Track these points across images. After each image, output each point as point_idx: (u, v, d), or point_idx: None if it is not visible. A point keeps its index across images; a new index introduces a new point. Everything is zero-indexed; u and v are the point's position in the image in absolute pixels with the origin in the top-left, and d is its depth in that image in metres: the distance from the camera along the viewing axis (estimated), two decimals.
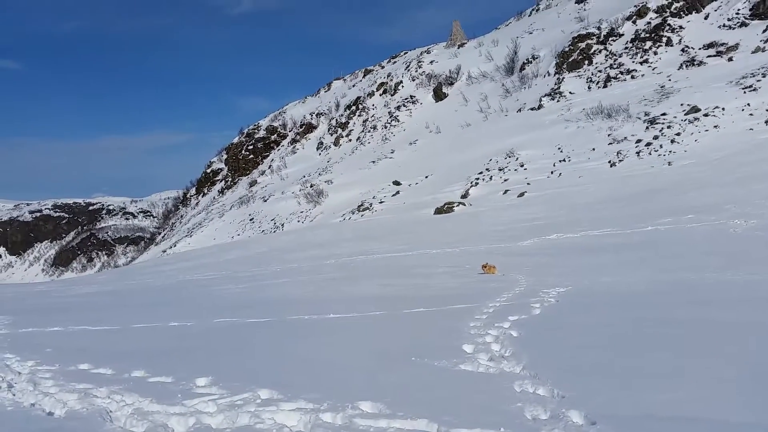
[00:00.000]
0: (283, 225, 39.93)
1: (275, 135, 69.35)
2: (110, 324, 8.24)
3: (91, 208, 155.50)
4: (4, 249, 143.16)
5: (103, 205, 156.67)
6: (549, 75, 42.21)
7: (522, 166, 28.87)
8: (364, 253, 16.15)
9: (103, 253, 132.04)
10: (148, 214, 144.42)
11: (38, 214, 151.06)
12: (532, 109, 38.86)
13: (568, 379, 3.99)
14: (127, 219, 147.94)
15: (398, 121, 52.76)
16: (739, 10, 35.84)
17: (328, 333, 6.34)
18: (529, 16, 60.80)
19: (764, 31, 33.12)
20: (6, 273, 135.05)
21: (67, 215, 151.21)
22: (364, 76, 69.38)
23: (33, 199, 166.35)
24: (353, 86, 68.25)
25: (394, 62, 67.64)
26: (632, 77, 36.41)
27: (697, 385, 3.68)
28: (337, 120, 60.95)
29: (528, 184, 25.66)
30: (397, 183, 35.56)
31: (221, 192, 67.94)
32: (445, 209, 25.29)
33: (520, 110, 40.35)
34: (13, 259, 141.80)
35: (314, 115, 65.42)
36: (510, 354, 4.79)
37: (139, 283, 17.49)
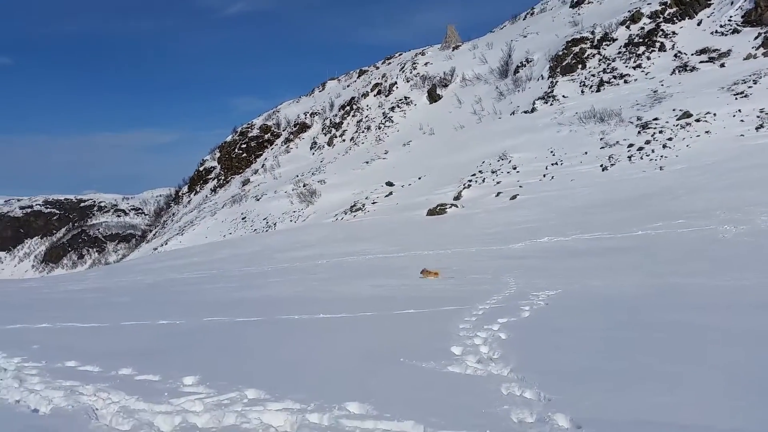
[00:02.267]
0: (275, 224, 39.85)
1: (269, 134, 69.24)
2: (99, 321, 8.19)
3: (82, 204, 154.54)
4: None
5: (94, 201, 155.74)
6: (543, 78, 42.36)
7: (515, 168, 28.95)
8: (356, 254, 16.15)
9: (94, 250, 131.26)
10: (140, 211, 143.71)
11: (29, 210, 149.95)
12: (525, 112, 38.98)
13: (555, 383, 4.00)
14: (118, 216, 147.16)
15: (392, 121, 52.81)
16: (731, 17, 36.11)
17: (318, 333, 6.33)
18: (524, 19, 61.05)
19: (756, 38, 33.39)
20: None
21: (58, 211, 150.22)
22: (359, 76, 69.40)
23: (24, 194, 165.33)
24: (348, 86, 68.24)
25: (389, 63, 67.71)
26: (625, 82, 36.61)
27: (687, 391, 3.69)
28: (331, 120, 60.92)
29: (520, 186, 25.73)
30: (390, 184, 35.57)
31: (214, 190, 67.73)
32: (437, 211, 25.32)
33: (513, 113, 40.47)
34: (3, 255, 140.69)
35: (308, 115, 65.37)
36: (498, 356, 4.80)
37: (129, 280, 17.39)
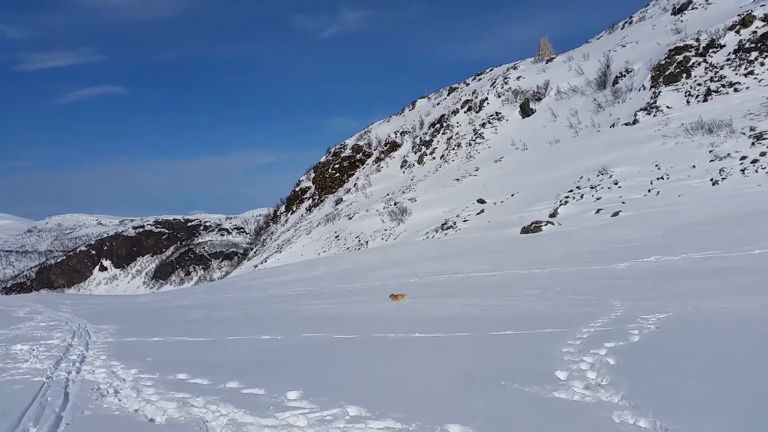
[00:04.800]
0: (367, 242, 40.41)
1: (360, 154, 70.65)
2: (206, 336, 8.60)
3: (189, 224, 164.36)
4: (110, 262, 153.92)
5: (200, 221, 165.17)
6: (644, 89, 40.46)
7: (616, 183, 27.72)
8: (448, 272, 16.01)
9: (200, 267, 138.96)
10: (242, 230, 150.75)
11: (141, 230, 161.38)
12: (626, 124, 37.35)
13: (671, 411, 3.74)
14: (222, 235, 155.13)
15: (483, 138, 52.28)
16: None
17: (414, 352, 6.29)
18: (622, 29, 58.74)
19: None
20: (111, 285, 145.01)
21: (167, 231, 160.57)
22: (449, 93, 69.43)
23: (137, 215, 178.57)
24: (437, 104, 68.43)
25: (480, 79, 67.25)
26: (735, 90, 34.22)
27: None
28: (421, 138, 61.26)
29: (623, 203, 24.56)
30: (481, 201, 35.14)
31: (309, 209, 69.84)
32: (532, 228, 24.67)
33: (613, 125, 38.89)
34: (118, 272, 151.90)
35: (398, 134, 66.09)
36: (607, 382, 4.55)
37: (232, 296, 18.20)
